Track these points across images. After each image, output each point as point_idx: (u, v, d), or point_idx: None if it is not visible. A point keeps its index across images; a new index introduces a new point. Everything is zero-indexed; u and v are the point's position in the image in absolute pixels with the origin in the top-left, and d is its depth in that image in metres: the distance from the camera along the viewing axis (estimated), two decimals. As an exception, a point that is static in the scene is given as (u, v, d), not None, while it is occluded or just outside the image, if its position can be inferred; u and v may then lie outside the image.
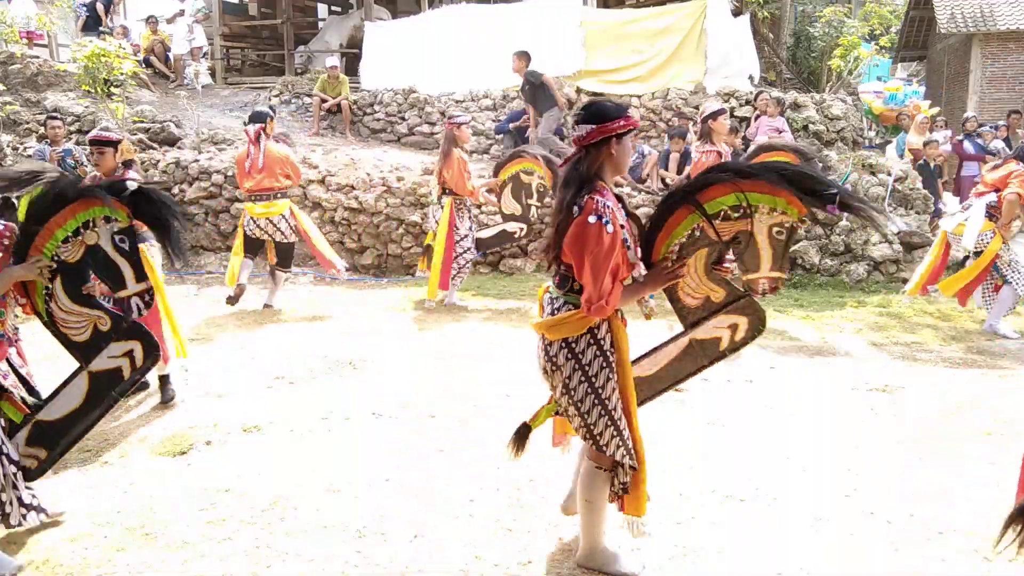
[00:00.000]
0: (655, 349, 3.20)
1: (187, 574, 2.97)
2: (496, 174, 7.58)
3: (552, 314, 2.80)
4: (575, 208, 2.64)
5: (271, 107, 7.65)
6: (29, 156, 9.16)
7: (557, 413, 3.07)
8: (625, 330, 2.83)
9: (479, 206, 7.99)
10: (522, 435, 3.13)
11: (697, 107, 10.02)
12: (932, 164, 10.02)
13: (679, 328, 3.17)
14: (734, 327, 3.11)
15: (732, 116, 9.72)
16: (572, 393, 2.75)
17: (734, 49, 10.33)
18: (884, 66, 17.26)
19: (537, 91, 9.30)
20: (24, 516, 3.11)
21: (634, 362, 3.08)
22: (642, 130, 10.00)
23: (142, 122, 10.19)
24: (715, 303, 3.09)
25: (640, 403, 3.09)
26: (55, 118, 8.65)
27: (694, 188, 2.98)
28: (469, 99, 10.94)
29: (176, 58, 12.89)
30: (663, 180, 8.85)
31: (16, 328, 3.18)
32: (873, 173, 9.31)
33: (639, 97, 10.29)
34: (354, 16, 14.09)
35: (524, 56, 9.37)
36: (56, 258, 3.03)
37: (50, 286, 3.03)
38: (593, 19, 10.88)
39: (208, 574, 2.96)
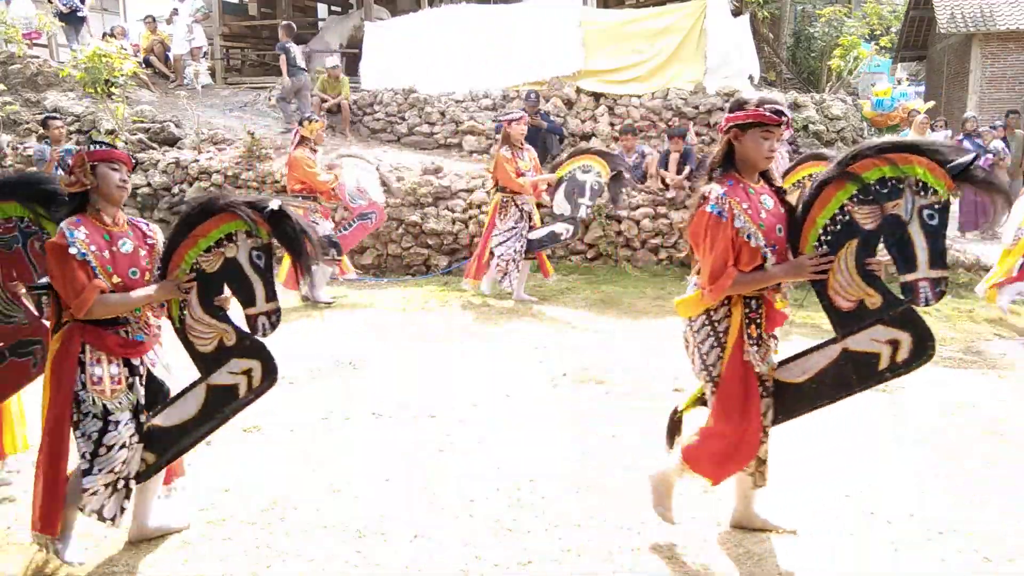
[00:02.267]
0: (804, 353, 3.01)
1: (187, 574, 2.97)
2: (554, 171, 7.45)
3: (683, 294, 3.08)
4: (700, 198, 2.92)
5: (312, 115, 7.76)
6: (29, 156, 9.17)
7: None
8: (762, 317, 2.99)
9: (540, 205, 7.76)
10: (676, 423, 3.34)
11: (697, 107, 10.05)
12: (932, 164, 10.00)
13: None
14: (895, 344, 2.77)
15: (732, 116, 9.71)
16: (694, 366, 3.08)
17: (734, 49, 10.33)
18: (884, 66, 17.25)
19: None
20: (121, 511, 3.06)
21: (783, 363, 3.06)
22: (642, 130, 10.01)
23: (142, 122, 10.19)
24: (870, 309, 2.78)
25: (793, 415, 3.10)
26: (55, 118, 8.65)
27: (844, 162, 2.84)
28: (469, 99, 10.94)
29: (176, 58, 12.89)
30: (663, 180, 8.85)
31: (159, 327, 3.21)
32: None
33: (639, 97, 10.29)
34: (354, 16, 14.09)
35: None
36: (196, 267, 3.04)
37: (187, 295, 3.05)
38: (593, 19, 10.88)
39: (208, 574, 2.97)
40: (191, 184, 9.23)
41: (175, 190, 9.27)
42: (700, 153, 9.13)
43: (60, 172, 8.15)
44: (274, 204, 2.96)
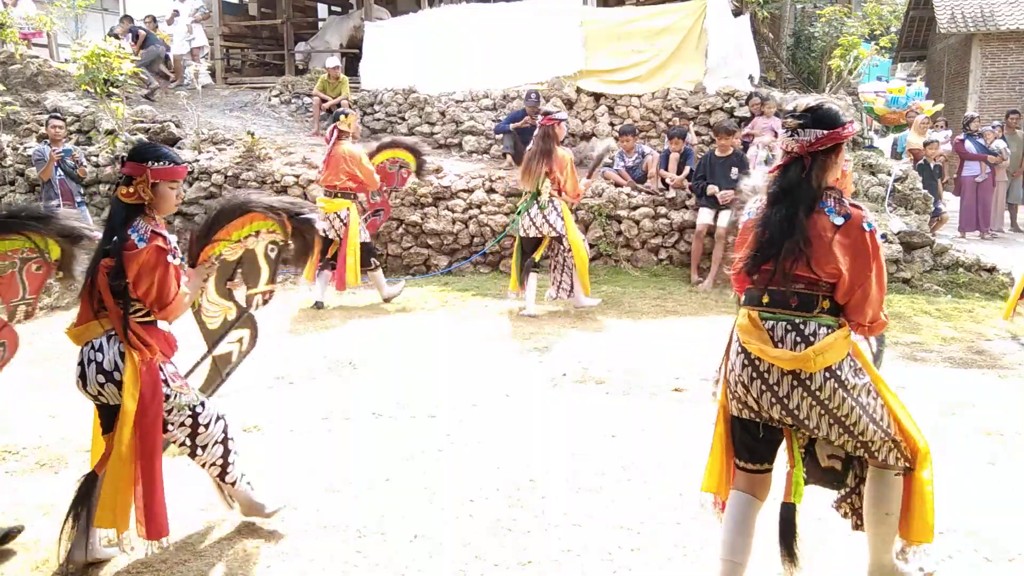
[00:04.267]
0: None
1: (187, 574, 2.97)
2: (590, 175, 7.38)
3: (800, 343, 2.47)
4: (838, 217, 2.46)
5: (346, 108, 7.87)
6: (29, 156, 9.16)
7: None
8: None
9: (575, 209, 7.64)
10: (790, 522, 2.62)
11: (697, 107, 10.05)
12: (932, 164, 10.02)
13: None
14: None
15: (732, 116, 9.73)
16: (837, 418, 2.51)
17: (734, 49, 10.32)
18: (884, 66, 17.24)
19: None
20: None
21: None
22: (642, 130, 10.00)
23: (142, 122, 10.18)
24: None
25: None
26: (56, 118, 8.65)
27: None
28: (469, 99, 10.94)
29: (176, 58, 12.89)
30: (663, 180, 8.85)
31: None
32: (873, 173, 9.31)
33: (639, 97, 10.29)
34: (354, 16, 14.09)
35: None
36: (219, 256, 3.29)
37: (206, 281, 3.29)
38: (593, 19, 10.87)
39: (208, 574, 2.97)
40: (191, 184, 9.23)
41: (175, 190, 9.26)
42: (700, 153, 9.14)
43: (60, 172, 8.19)
44: (315, 219, 3.45)
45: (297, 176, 9.05)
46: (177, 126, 10.38)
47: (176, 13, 13.00)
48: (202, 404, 3.12)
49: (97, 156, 9.52)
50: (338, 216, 7.14)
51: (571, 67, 10.52)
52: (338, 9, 16.18)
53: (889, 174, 9.32)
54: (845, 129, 2.50)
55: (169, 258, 2.91)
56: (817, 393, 2.47)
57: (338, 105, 10.99)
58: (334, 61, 11.24)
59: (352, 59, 12.91)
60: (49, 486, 3.71)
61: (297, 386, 5.11)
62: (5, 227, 3.06)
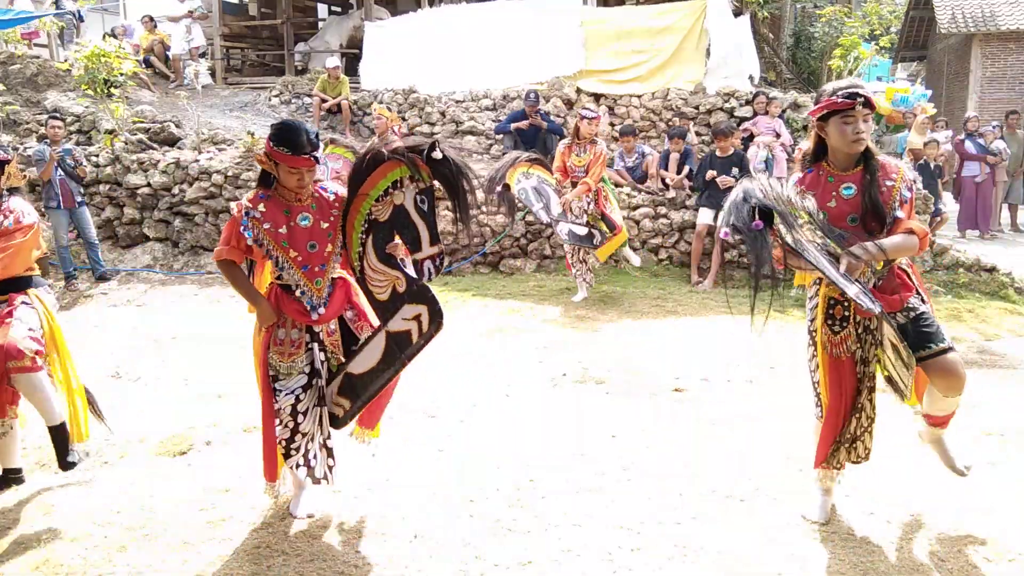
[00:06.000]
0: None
1: (187, 574, 2.97)
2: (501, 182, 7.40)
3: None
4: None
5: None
6: (29, 156, 9.16)
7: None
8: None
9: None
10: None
11: (697, 107, 10.05)
12: (932, 164, 10.02)
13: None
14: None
15: (732, 116, 9.73)
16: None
17: (734, 49, 10.33)
18: (884, 66, 17.23)
19: None
20: (329, 471, 3.33)
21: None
22: (642, 130, 10.00)
23: (142, 122, 10.18)
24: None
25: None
26: (55, 118, 8.65)
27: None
28: (469, 99, 10.94)
29: (175, 58, 12.89)
30: (663, 180, 8.85)
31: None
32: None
33: (639, 97, 10.29)
34: (354, 16, 14.09)
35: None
36: (369, 217, 3.16)
37: (364, 244, 3.18)
38: (593, 19, 10.88)
39: (208, 574, 2.97)
40: (191, 184, 9.23)
41: (175, 190, 9.26)
42: (700, 153, 9.14)
43: (60, 172, 8.19)
44: (436, 154, 3.04)
45: (297, 176, 9.04)
46: (177, 126, 10.38)
47: (189, 13, 12.99)
48: (278, 392, 3.23)
49: (97, 156, 9.52)
50: None
51: (571, 67, 10.52)
52: (338, 9, 16.18)
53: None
54: (818, 103, 3.01)
55: (241, 224, 3.14)
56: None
57: (338, 105, 11.01)
58: (334, 61, 11.24)
59: (352, 59, 12.91)
60: (49, 486, 3.71)
61: (297, 386, 5.10)
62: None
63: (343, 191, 3.25)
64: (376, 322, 3.27)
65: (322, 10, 16.73)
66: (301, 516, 3.35)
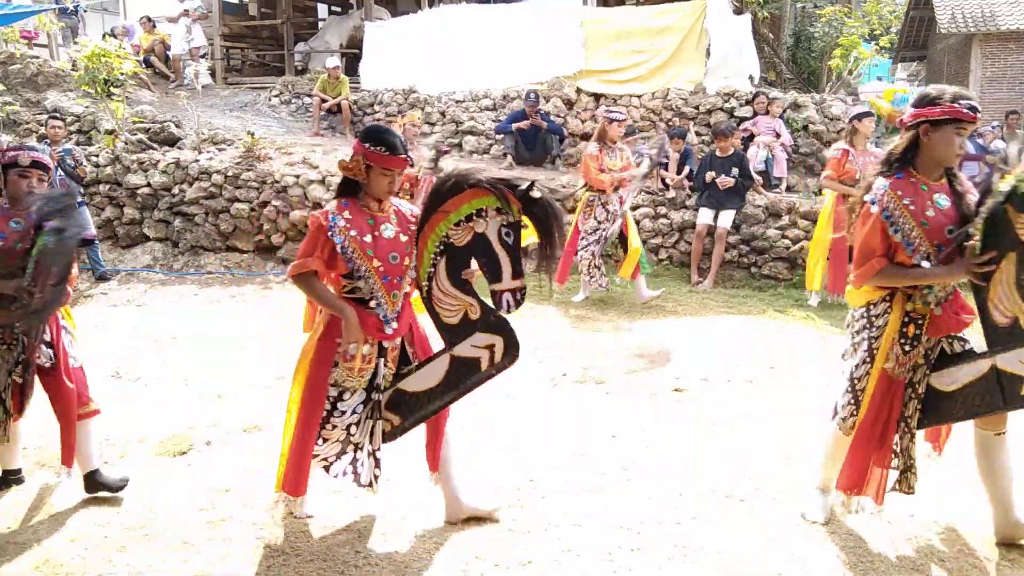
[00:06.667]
0: (955, 361, 3.01)
1: (187, 574, 2.97)
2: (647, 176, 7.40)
3: None
4: (865, 188, 3.03)
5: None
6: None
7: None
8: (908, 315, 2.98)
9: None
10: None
11: (697, 107, 10.05)
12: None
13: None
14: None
15: (732, 116, 9.73)
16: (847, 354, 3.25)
17: (734, 49, 10.32)
18: (884, 66, 17.23)
19: None
20: (375, 480, 3.30)
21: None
22: (642, 130, 10.00)
23: (142, 122, 10.18)
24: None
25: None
26: (55, 118, 8.65)
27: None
28: (469, 99, 10.94)
29: (175, 58, 12.89)
30: (663, 180, 8.85)
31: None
32: (873, 173, 9.28)
33: (639, 97, 10.29)
34: (354, 16, 14.10)
35: None
36: (445, 240, 3.11)
37: (435, 265, 3.13)
38: (593, 19, 10.88)
39: (208, 574, 2.96)
40: (191, 184, 9.23)
41: (175, 190, 9.25)
42: (700, 153, 9.14)
43: (60, 172, 8.18)
44: (534, 193, 3.04)
45: (297, 176, 9.04)
46: (177, 126, 10.37)
47: (186, 13, 12.99)
48: (341, 413, 3.24)
49: (97, 156, 9.52)
50: None
51: (571, 67, 10.52)
52: (338, 9, 16.19)
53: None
54: (937, 107, 2.91)
55: (329, 234, 3.04)
56: (848, 317, 3.34)
57: (338, 105, 11.00)
58: (334, 61, 11.24)
59: (352, 59, 12.91)
60: (49, 486, 3.71)
61: (297, 386, 5.10)
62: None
63: (418, 209, 3.22)
64: (435, 346, 3.25)
65: (322, 10, 16.73)
66: (302, 516, 3.33)
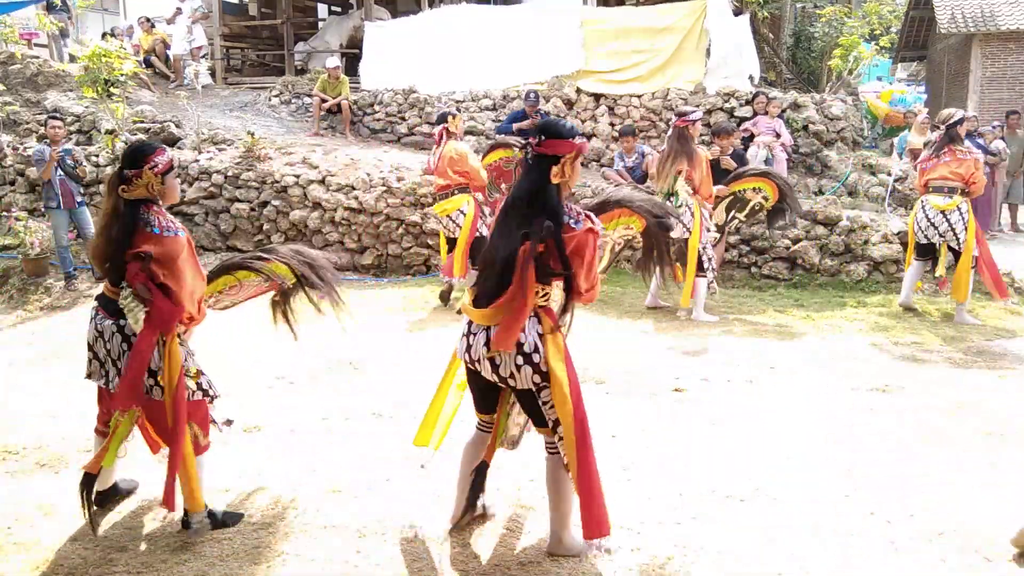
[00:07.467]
0: None
1: (187, 574, 2.97)
2: (729, 184, 7.12)
3: None
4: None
5: (451, 110, 7.92)
6: (29, 156, 9.17)
7: None
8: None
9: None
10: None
11: (697, 107, 10.03)
12: (932, 164, 10.01)
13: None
14: None
15: (732, 116, 9.73)
16: None
17: (734, 49, 10.32)
18: (884, 66, 17.24)
19: None
20: None
21: None
22: (642, 130, 10.00)
23: (142, 122, 10.18)
24: None
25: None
26: (55, 118, 8.65)
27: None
28: (469, 99, 10.94)
29: (176, 58, 12.89)
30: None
31: None
32: (873, 173, 9.31)
33: (639, 97, 10.29)
34: (354, 16, 14.10)
35: None
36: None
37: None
38: (593, 19, 10.88)
39: (208, 574, 2.97)
40: (191, 184, 9.23)
41: (175, 190, 9.27)
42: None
43: (60, 172, 8.19)
44: (674, 231, 3.55)
45: (297, 176, 9.05)
46: (177, 126, 10.38)
47: (179, 11, 12.99)
48: None
49: (97, 156, 9.52)
50: (460, 212, 7.03)
51: (571, 67, 10.52)
52: (338, 9, 16.19)
53: (889, 174, 9.33)
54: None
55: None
56: None
57: (338, 105, 11.01)
58: (334, 61, 11.24)
59: (352, 59, 12.91)
60: (49, 486, 3.71)
61: (297, 386, 5.11)
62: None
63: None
64: None
65: (322, 10, 16.73)
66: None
